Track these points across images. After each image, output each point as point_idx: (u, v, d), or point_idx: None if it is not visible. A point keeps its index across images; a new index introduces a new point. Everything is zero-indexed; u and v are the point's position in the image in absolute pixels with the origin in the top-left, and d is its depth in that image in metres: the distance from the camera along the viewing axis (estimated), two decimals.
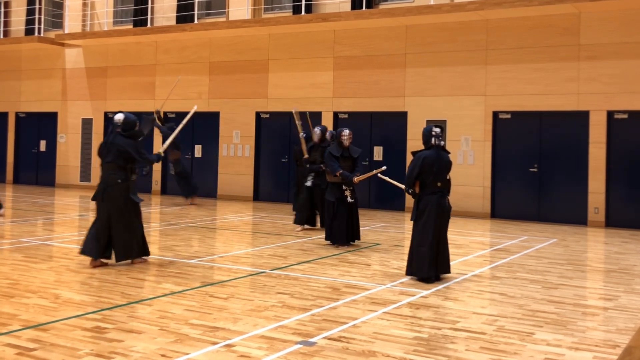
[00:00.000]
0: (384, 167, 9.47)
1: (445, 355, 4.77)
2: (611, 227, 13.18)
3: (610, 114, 13.42)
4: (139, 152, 7.89)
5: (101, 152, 7.98)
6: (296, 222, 11.60)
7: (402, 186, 8.09)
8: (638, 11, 13.20)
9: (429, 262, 7.30)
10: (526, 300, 6.56)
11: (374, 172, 9.54)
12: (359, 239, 9.93)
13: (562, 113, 13.84)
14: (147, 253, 8.16)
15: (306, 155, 11.52)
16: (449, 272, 7.56)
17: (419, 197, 7.51)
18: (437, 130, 7.56)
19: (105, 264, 7.84)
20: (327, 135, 11.62)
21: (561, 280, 7.67)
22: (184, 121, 9.05)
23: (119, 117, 7.95)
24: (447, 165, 7.55)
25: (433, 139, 7.51)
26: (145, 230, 8.22)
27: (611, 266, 8.80)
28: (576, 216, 13.61)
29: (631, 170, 13.31)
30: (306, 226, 11.60)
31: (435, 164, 7.41)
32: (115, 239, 7.78)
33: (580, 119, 13.64)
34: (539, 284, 7.39)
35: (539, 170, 14.08)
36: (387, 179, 9.44)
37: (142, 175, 8.13)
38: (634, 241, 11.31)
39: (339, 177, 9.52)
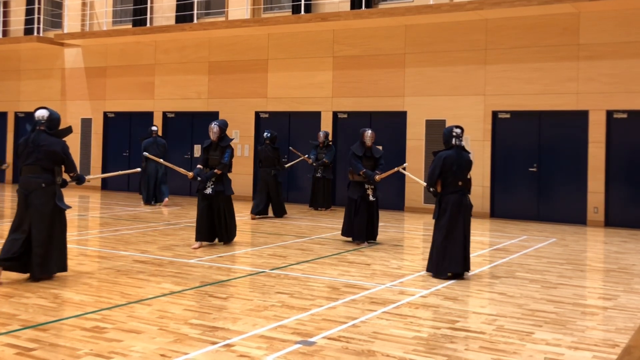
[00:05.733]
0: (405, 164, 10.13)
1: (445, 355, 4.76)
2: (610, 227, 13.18)
3: (609, 114, 13.43)
4: (66, 153, 6.95)
5: (21, 152, 6.96)
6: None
7: (424, 183, 8.33)
8: (637, 11, 13.20)
9: (450, 258, 7.45)
10: (525, 299, 6.56)
11: (395, 169, 9.95)
12: (374, 239, 10.13)
13: (561, 113, 13.84)
14: (65, 269, 7.12)
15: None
16: (468, 270, 7.67)
17: (441, 196, 7.68)
18: (458, 130, 7.76)
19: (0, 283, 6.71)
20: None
21: (560, 279, 7.67)
22: (119, 173, 9.29)
23: (42, 113, 6.93)
24: (468, 164, 7.74)
25: (454, 139, 7.71)
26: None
27: (610, 266, 8.80)
28: (575, 216, 13.61)
29: (630, 169, 13.31)
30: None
31: (455, 164, 7.59)
32: (35, 251, 6.80)
33: (580, 118, 13.65)
34: (538, 283, 7.39)
35: (539, 170, 14.08)
36: (409, 174, 9.85)
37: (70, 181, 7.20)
38: (634, 241, 11.31)
39: (362, 175, 9.74)
